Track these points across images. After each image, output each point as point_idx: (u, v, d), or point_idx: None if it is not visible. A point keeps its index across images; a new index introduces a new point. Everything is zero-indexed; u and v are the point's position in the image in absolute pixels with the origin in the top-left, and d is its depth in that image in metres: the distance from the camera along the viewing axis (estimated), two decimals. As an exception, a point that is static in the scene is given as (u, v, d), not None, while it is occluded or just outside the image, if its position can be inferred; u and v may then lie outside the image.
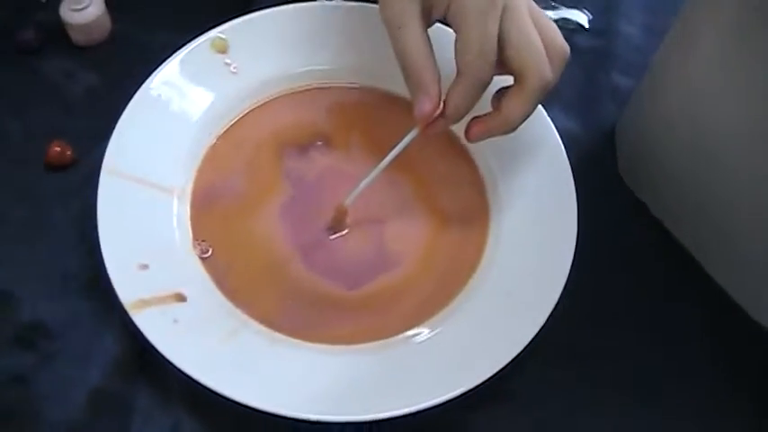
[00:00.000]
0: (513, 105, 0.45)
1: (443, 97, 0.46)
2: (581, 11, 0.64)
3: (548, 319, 0.47)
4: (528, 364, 0.48)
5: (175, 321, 0.46)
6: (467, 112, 0.46)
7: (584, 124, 0.59)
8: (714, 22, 0.46)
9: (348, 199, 0.49)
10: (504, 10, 0.43)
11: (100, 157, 0.51)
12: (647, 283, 0.53)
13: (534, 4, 0.46)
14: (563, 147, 0.53)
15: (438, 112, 0.46)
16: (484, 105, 0.47)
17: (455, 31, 0.44)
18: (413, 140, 0.48)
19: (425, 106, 0.45)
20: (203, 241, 0.50)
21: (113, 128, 0.52)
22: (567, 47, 0.46)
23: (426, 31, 0.46)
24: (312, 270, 0.50)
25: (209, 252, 0.50)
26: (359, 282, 0.50)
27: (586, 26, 0.64)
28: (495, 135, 0.47)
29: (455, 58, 0.44)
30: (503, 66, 0.44)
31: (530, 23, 0.44)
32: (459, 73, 0.44)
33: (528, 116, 0.46)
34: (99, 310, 0.49)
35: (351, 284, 0.50)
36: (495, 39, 0.43)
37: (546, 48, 0.44)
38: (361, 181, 0.49)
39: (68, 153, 0.54)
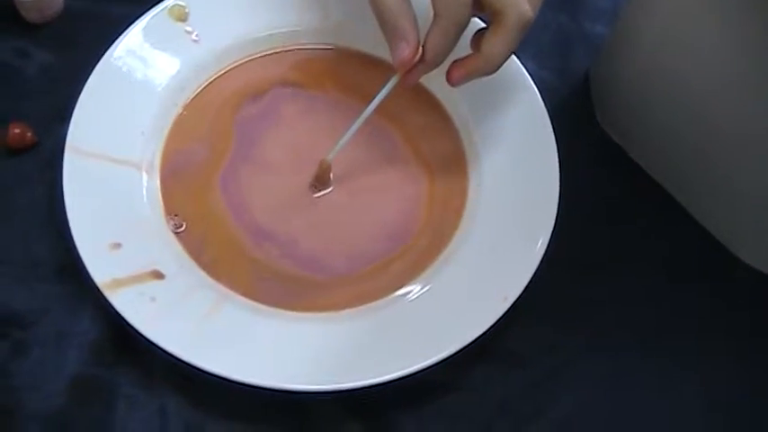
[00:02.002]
0: (493, 45, 0.43)
1: (421, 42, 0.44)
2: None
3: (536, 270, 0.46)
4: (519, 318, 0.46)
5: (153, 300, 0.44)
6: (445, 57, 0.44)
7: (556, 72, 0.57)
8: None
9: (331, 153, 0.47)
10: None
11: (61, 138, 0.49)
12: (628, 226, 0.52)
13: None
14: (538, 92, 0.51)
15: (417, 57, 0.44)
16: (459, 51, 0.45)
17: None
18: (393, 89, 0.46)
19: (404, 52, 0.43)
20: (176, 216, 0.48)
21: (73, 106, 0.49)
22: None
23: None
24: (297, 233, 0.48)
25: (183, 226, 0.48)
26: (351, 261, 0.48)
27: (552, -26, 0.62)
28: (477, 77, 0.45)
29: (432, 3, 0.42)
30: (480, 5, 0.43)
31: None
32: (435, 16, 0.42)
33: (509, 55, 0.44)
34: (71, 295, 0.47)
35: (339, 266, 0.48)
36: None
37: None
38: (342, 133, 0.47)
39: (29, 135, 0.51)
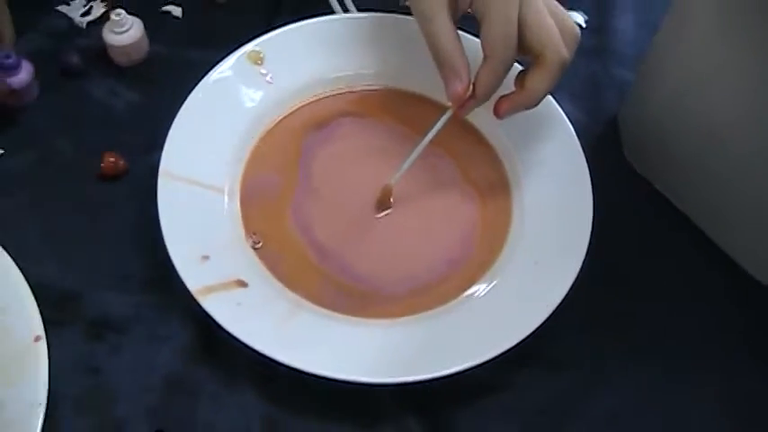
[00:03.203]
0: (535, 81, 0.51)
1: (473, 80, 0.51)
2: (578, 12, 0.70)
3: (572, 286, 0.52)
4: (556, 330, 0.53)
5: (239, 304, 0.51)
6: (494, 92, 0.51)
7: (589, 113, 0.64)
8: (703, 9, 0.52)
9: (394, 178, 0.55)
10: (522, 1, 0.49)
11: (149, 166, 0.56)
12: (656, 251, 0.59)
13: None
14: (573, 129, 0.58)
15: (468, 93, 0.51)
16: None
17: (479, 20, 0.50)
18: (447, 121, 0.53)
19: (458, 88, 0.51)
20: (254, 234, 0.55)
21: (159, 139, 0.56)
22: (577, 29, 0.52)
23: (454, 21, 0.51)
24: (356, 257, 0.55)
25: (261, 243, 0.55)
26: (409, 279, 0.55)
27: (584, 25, 0.69)
28: (520, 110, 0.53)
29: (481, 43, 0.50)
30: (523, 48, 0.50)
31: (544, 10, 0.50)
32: (485, 57, 0.50)
33: (549, 91, 0.51)
34: (160, 304, 0.54)
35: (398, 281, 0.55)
36: (516, 24, 0.49)
37: (560, 30, 0.50)
38: (402, 160, 0.54)
39: (121, 163, 0.58)
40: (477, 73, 0.51)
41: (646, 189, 0.61)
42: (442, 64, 0.51)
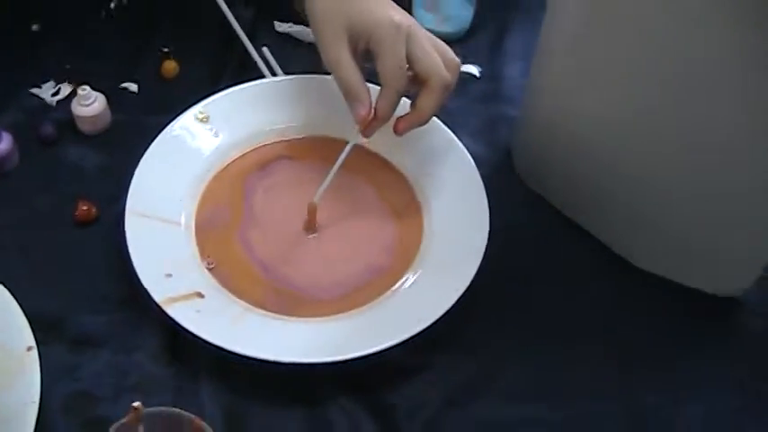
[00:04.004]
0: (424, 102, 0.64)
1: (374, 105, 0.65)
2: (473, 65, 0.84)
3: (473, 281, 0.64)
4: (466, 320, 0.64)
5: (198, 311, 0.62)
6: (391, 114, 0.65)
7: (486, 146, 0.77)
8: (559, 44, 0.66)
9: (316, 196, 0.67)
10: (408, 37, 0.63)
11: (116, 213, 0.68)
12: (547, 249, 0.71)
13: (427, 32, 0.65)
14: (471, 158, 0.71)
15: (371, 116, 0.65)
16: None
17: (375, 57, 0.64)
18: (355, 143, 0.66)
19: (361, 111, 0.65)
20: (208, 257, 0.66)
21: (124, 191, 0.68)
22: (457, 59, 0.66)
23: (355, 61, 0.65)
24: (293, 270, 0.67)
25: (214, 264, 0.66)
26: (338, 285, 0.67)
27: (478, 76, 0.83)
28: (415, 127, 0.66)
29: (379, 75, 0.64)
30: (413, 77, 0.64)
31: (428, 44, 0.64)
32: (382, 86, 0.64)
33: (436, 111, 0.65)
34: (131, 320, 0.65)
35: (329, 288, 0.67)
36: (404, 58, 0.63)
37: (442, 60, 0.64)
38: (323, 181, 0.66)
39: (93, 210, 0.70)
40: (377, 100, 0.65)
41: (535, 201, 0.74)
42: (347, 94, 0.65)
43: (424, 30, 0.65)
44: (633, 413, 0.63)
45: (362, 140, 0.68)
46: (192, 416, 0.53)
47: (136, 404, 0.52)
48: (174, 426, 0.54)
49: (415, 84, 0.65)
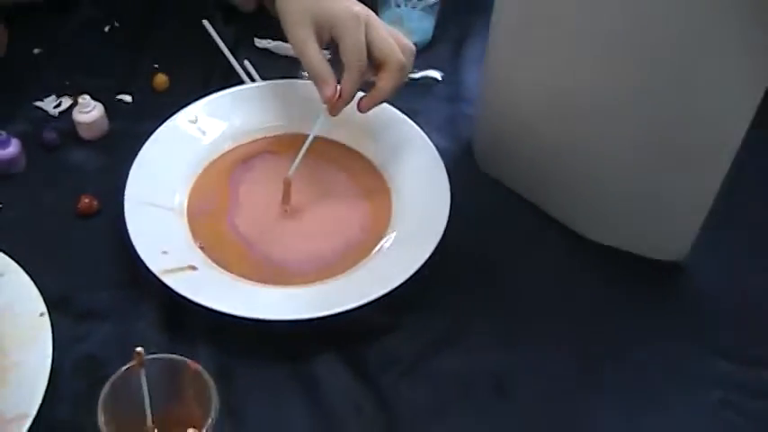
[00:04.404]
0: (383, 81, 0.74)
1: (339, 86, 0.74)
2: (436, 70, 0.93)
3: (439, 252, 0.72)
4: (430, 287, 0.73)
5: (191, 281, 0.70)
6: (354, 93, 0.75)
7: (449, 140, 0.86)
8: (502, 41, 0.75)
9: (290, 171, 0.76)
10: (366, 25, 0.73)
11: (116, 205, 0.76)
12: (503, 225, 0.80)
13: (383, 22, 0.75)
14: (435, 149, 0.80)
15: (336, 96, 0.74)
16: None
17: (338, 43, 0.74)
18: (325, 121, 0.76)
19: (328, 92, 0.74)
20: (199, 238, 0.75)
21: (121, 187, 0.76)
22: (412, 45, 0.76)
23: (320, 47, 0.75)
24: (274, 247, 0.75)
25: (204, 245, 0.74)
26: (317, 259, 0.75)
27: (440, 79, 0.93)
28: (376, 104, 0.76)
29: (342, 59, 0.73)
30: (372, 60, 0.73)
31: (384, 31, 0.74)
32: (346, 68, 0.74)
33: (395, 90, 0.75)
34: (132, 296, 0.72)
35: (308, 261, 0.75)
36: (364, 43, 0.73)
37: (398, 44, 0.74)
38: (295, 158, 0.76)
39: (95, 203, 0.78)
40: (342, 81, 0.74)
41: (493, 184, 0.83)
42: (314, 77, 0.75)
43: (380, 20, 0.75)
44: (585, 360, 0.71)
45: (329, 122, 0.78)
46: (189, 360, 0.61)
47: (138, 349, 0.60)
48: (173, 370, 0.61)
49: (374, 69, 0.75)
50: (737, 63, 0.63)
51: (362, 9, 0.75)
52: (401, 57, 0.74)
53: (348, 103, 0.76)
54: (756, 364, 0.71)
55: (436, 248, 0.72)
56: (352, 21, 0.73)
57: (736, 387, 0.69)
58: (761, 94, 0.63)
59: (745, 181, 0.73)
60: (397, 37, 0.75)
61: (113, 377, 0.60)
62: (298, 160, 0.75)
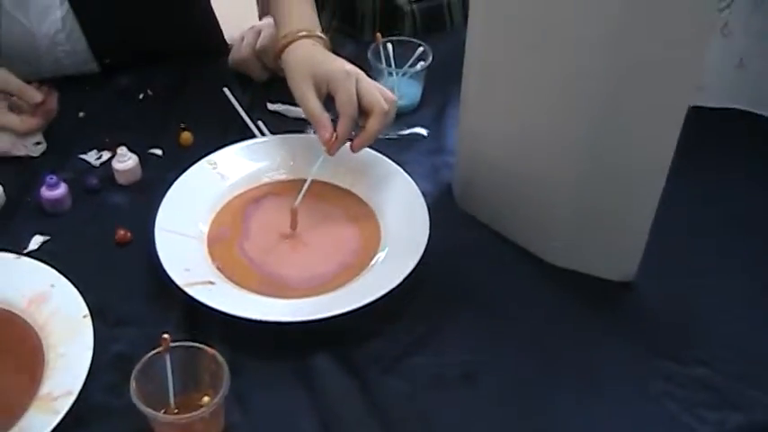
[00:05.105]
0: (370, 125, 0.91)
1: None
2: (422, 128, 1.10)
3: (414, 273, 0.87)
4: (411, 299, 0.87)
5: (209, 291, 0.85)
6: (348, 136, 0.91)
7: (433, 184, 1.02)
8: (469, 94, 0.91)
9: (297, 202, 0.92)
10: (357, 80, 0.90)
11: (146, 238, 0.91)
12: (476, 250, 0.95)
13: (370, 78, 0.93)
14: (419, 190, 0.96)
15: (333, 138, 0.90)
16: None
17: (333, 94, 0.91)
18: (324, 160, 0.93)
19: (326, 134, 0.91)
20: (216, 260, 0.90)
21: (151, 224, 0.92)
22: (393, 96, 0.93)
23: (318, 98, 0.92)
24: (279, 267, 0.90)
25: (220, 267, 0.89)
26: (315, 277, 0.90)
27: (426, 135, 1.09)
28: (366, 145, 0.92)
29: (337, 108, 0.90)
30: (361, 108, 0.90)
31: (371, 85, 0.91)
32: (340, 115, 0.91)
33: (379, 132, 0.92)
34: (159, 308, 0.87)
35: (308, 279, 0.90)
36: (355, 94, 0.90)
37: (382, 96, 0.91)
38: (300, 190, 0.92)
39: (129, 235, 0.94)
40: (338, 125, 0.92)
41: (469, 219, 0.98)
42: (315, 123, 0.92)
43: (368, 77, 0.93)
44: (543, 358, 0.84)
45: (327, 169, 0.94)
46: (207, 347, 0.75)
47: (165, 335, 0.74)
48: (193, 355, 0.76)
49: (363, 116, 0.92)
50: (655, 106, 0.79)
51: (352, 67, 0.93)
52: (384, 105, 0.91)
53: (343, 143, 0.92)
54: (692, 362, 0.84)
55: (416, 267, 0.87)
56: (344, 77, 0.91)
57: (675, 381, 0.83)
58: (680, 124, 0.78)
59: (681, 207, 0.90)
60: (381, 89, 0.92)
61: (144, 358, 0.75)
62: (302, 192, 0.92)
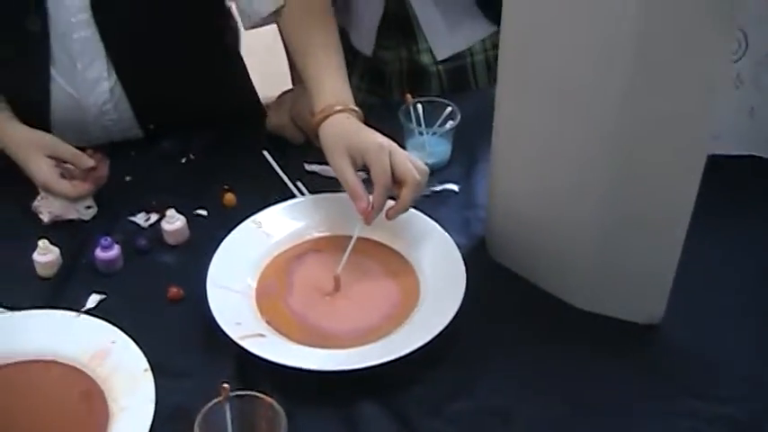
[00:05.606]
0: (404, 195, 0.98)
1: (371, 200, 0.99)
2: (453, 184, 1.17)
3: (452, 322, 0.93)
4: (452, 347, 0.94)
5: (261, 344, 0.91)
6: (383, 205, 0.98)
7: (466, 237, 1.09)
8: (496, 163, 0.99)
9: (338, 269, 0.98)
10: (390, 153, 0.98)
11: (197, 295, 0.98)
12: (508, 298, 1.01)
13: (403, 150, 1.00)
14: (454, 243, 1.02)
15: (369, 208, 0.98)
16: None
17: (369, 166, 0.98)
18: (362, 228, 1.00)
19: (362, 205, 0.98)
20: (264, 314, 0.96)
21: (199, 279, 0.99)
22: (425, 167, 1.00)
23: (354, 170, 0.99)
24: (323, 320, 0.97)
25: (269, 319, 0.96)
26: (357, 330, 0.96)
27: (457, 191, 1.16)
28: (400, 213, 0.99)
29: (372, 179, 0.97)
30: (395, 179, 0.97)
31: (404, 157, 0.98)
32: (375, 187, 0.98)
33: (412, 203, 0.99)
34: (213, 359, 0.94)
35: (350, 331, 0.96)
36: (389, 167, 0.97)
37: (414, 167, 0.98)
38: (341, 258, 0.98)
39: (181, 292, 1.01)
40: (372, 196, 0.98)
41: (502, 269, 1.05)
42: (351, 195, 0.99)
43: (400, 148, 1.00)
44: (575, 399, 0.90)
45: (366, 227, 1.01)
46: (265, 396, 0.81)
47: (225, 385, 0.81)
48: (252, 404, 0.82)
49: (397, 186, 0.99)
50: (675, 151, 0.85)
51: (386, 140, 1.00)
52: (417, 175, 0.98)
53: (379, 212, 1.00)
54: (719, 401, 0.90)
55: (454, 317, 0.94)
56: (379, 150, 0.98)
57: (702, 419, 0.88)
58: (699, 172, 0.85)
59: (704, 250, 0.96)
60: (413, 161, 1.00)
61: (205, 408, 0.81)
62: (344, 260, 1.00)
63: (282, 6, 1.15)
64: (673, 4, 0.79)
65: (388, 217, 1.00)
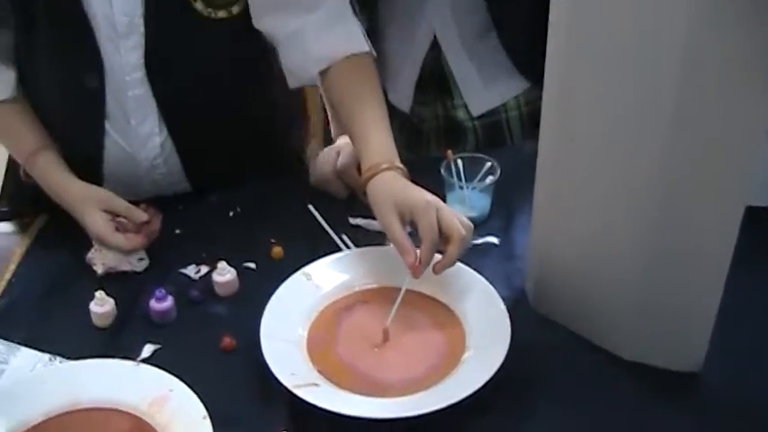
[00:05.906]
0: (450, 251, 1.02)
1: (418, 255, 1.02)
2: (493, 236, 1.21)
3: (498, 372, 0.96)
4: (494, 399, 0.97)
5: (315, 393, 0.94)
6: (431, 260, 1.02)
7: (507, 288, 1.12)
8: (539, 214, 1.03)
9: (388, 321, 1.02)
10: (437, 210, 1.02)
11: (249, 344, 1.02)
12: (552, 349, 1.04)
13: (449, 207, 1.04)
14: (498, 296, 1.06)
15: (417, 263, 1.02)
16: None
17: (416, 223, 1.02)
18: (410, 281, 1.03)
19: (410, 259, 1.02)
20: (316, 364, 1.00)
21: (251, 327, 1.03)
22: (470, 223, 1.04)
23: (403, 227, 1.03)
24: (373, 370, 1.00)
25: (321, 369, 1.00)
26: (405, 380, 1.00)
27: (497, 243, 1.20)
28: (447, 267, 1.03)
29: (419, 235, 1.01)
30: (442, 235, 1.01)
31: (450, 214, 1.02)
32: (422, 242, 1.02)
33: (459, 257, 1.02)
34: (269, 411, 0.97)
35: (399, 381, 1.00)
36: (436, 224, 1.01)
37: (460, 224, 1.02)
38: (390, 311, 1.02)
39: (233, 342, 1.05)
40: (420, 250, 1.02)
41: (544, 320, 1.08)
42: (400, 250, 1.03)
43: (446, 205, 1.05)
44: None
45: (413, 280, 1.05)
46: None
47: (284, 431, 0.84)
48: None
49: (443, 241, 1.03)
50: (714, 199, 0.90)
51: (433, 197, 1.04)
52: (463, 231, 1.02)
53: (427, 267, 1.04)
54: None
55: (499, 368, 0.97)
56: (426, 207, 1.03)
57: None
58: (737, 223, 0.89)
59: (743, 297, 1.00)
60: (459, 217, 1.04)
61: (265, 456, 0.84)
62: (393, 312, 1.04)
63: (330, 66, 1.21)
64: (712, 58, 0.83)
65: (435, 271, 1.04)
